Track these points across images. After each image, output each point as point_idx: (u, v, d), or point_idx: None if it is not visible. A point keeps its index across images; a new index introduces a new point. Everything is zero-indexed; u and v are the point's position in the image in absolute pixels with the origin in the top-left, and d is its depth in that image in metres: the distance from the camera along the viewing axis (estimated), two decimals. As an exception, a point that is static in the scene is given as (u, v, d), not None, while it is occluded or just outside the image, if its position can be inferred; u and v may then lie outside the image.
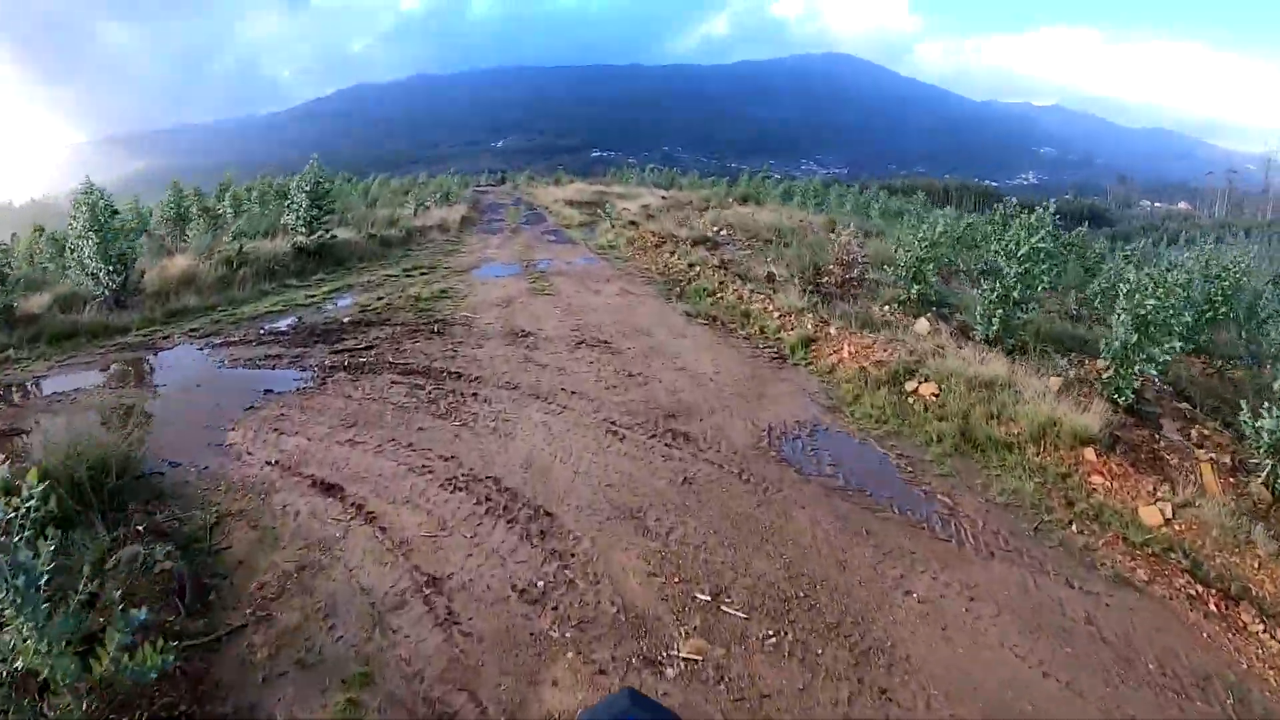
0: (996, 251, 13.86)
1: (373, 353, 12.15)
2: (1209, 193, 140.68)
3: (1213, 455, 9.55)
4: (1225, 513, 7.57)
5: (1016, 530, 7.28)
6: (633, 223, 28.94)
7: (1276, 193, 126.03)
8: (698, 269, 18.95)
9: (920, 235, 16.18)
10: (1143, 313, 10.50)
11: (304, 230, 21.51)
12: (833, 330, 13.30)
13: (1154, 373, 10.64)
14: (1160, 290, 10.46)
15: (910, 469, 8.56)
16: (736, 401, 10.33)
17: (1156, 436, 10.14)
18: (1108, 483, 8.27)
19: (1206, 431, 10.82)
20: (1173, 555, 7.03)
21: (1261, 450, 8.59)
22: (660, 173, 72.88)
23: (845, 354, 12.23)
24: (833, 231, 27.72)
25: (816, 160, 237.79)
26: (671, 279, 18.71)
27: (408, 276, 19.42)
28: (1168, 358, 10.54)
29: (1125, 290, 11.01)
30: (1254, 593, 6.63)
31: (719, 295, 16.59)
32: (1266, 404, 8.74)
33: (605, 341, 12.83)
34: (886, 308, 15.84)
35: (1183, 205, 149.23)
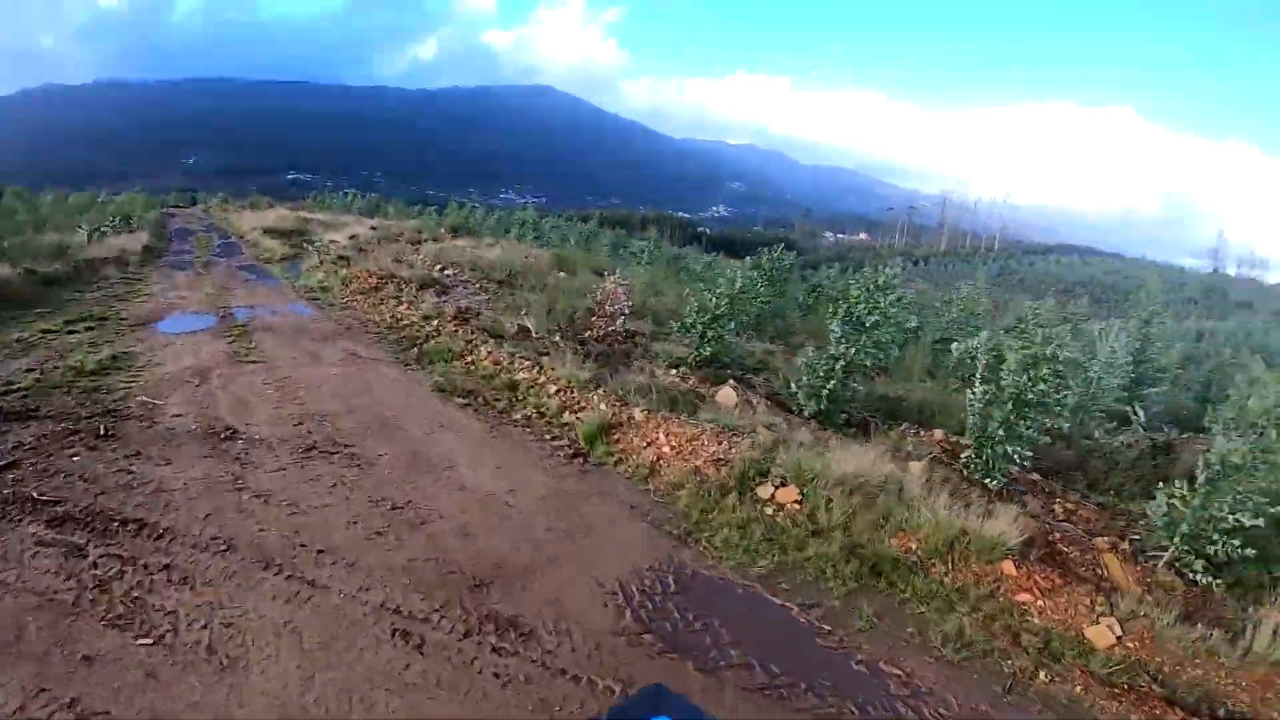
0: (833, 315, 12.34)
1: (9, 479, 7.81)
2: (890, 226, 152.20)
3: (1111, 542, 8.84)
4: (1169, 617, 6.97)
5: (993, 698, 5.99)
6: (344, 258, 25.28)
7: (951, 227, 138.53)
8: (435, 323, 15.90)
9: (719, 290, 14.26)
10: (1030, 397, 9.67)
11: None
12: (637, 414, 10.81)
13: (1027, 454, 9.81)
14: (1046, 370, 9.60)
15: (828, 628, 6.59)
16: (558, 543, 7.52)
17: (1049, 527, 9.11)
18: (1039, 600, 7.27)
19: (1070, 505, 10.25)
20: (1141, 682, 6.35)
21: (1160, 532, 8.37)
22: (363, 199, 68.37)
23: (665, 448, 9.88)
24: (561, 270, 25.61)
25: (515, 190, 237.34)
26: (404, 335, 15.54)
27: (71, 332, 14.64)
28: (1047, 440, 10.27)
29: (990, 363, 10.52)
30: (1234, 707, 6.20)
31: (469, 359, 13.73)
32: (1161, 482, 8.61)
33: (346, 444, 9.44)
34: (674, 372, 13.71)
35: (862, 236, 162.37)
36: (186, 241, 35.19)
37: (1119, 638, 6.77)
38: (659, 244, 34.85)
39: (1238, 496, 7.72)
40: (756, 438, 9.93)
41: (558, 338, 14.95)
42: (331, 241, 28.69)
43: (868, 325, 11.78)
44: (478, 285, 21.55)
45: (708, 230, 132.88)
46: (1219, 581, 7.86)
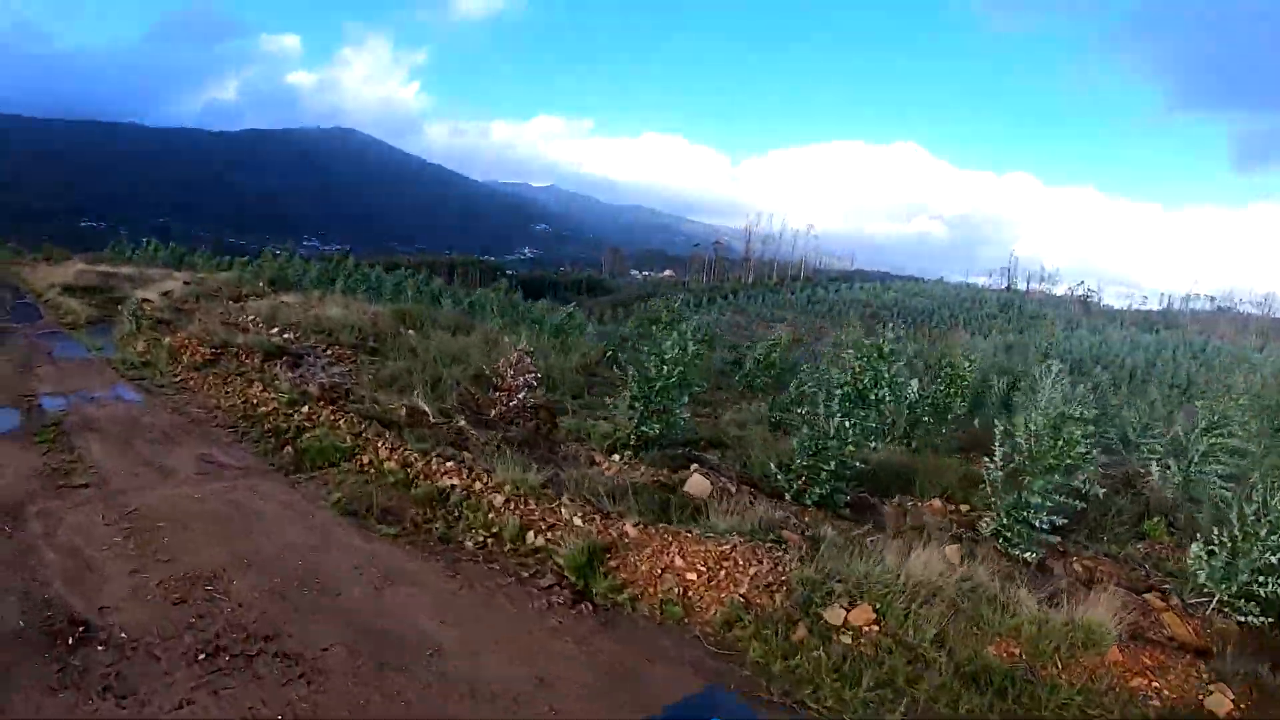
0: (819, 388, 11.41)
1: None
2: (696, 262, 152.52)
3: (1160, 598, 8.44)
4: (1264, 669, 6.81)
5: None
6: (164, 321, 21.42)
7: (756, 259, 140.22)
8: (305, 409, 12.64)
9: (668, 354, 11.96)
10: (1068, 462, 9.10)
11: None
12: (630, 529, 8.38)
13: (1060, 521, 9.31)
14: (1078, 431, 9.09)
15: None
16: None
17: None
18: (1153, 682, 6.69)
19: (1087, 562, 9.62)
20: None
21: (1212, 583, 8.20)
22: (167, 250, 62.13)
23: (690, 575, 7.67)
24: (409, 328, 22.60)
25: (320, 236, 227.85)
26: (268, 428, 12.25)
27: None
28: (1080, 504, 9.67)
29: (1026, 432, 9.56)
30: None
31: (364, 460, 10.74)
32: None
33: (266, 634, 6.17)
34: (615, 458, 11.46)
35: (668, 273, 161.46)
36: (-29, 303, 29.76)
37: (1234, 701, 6.41)
38: (510, 294, 31.53)
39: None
40: (796, 548, 8.05)
41: (463, 421, 12.19)
42: (145, 301, 24.45)
43: (872, 399, 10.37)
44: (330, 352, 18.42)
45: (514, 273, 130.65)
46: (1269, 620, 7.90)
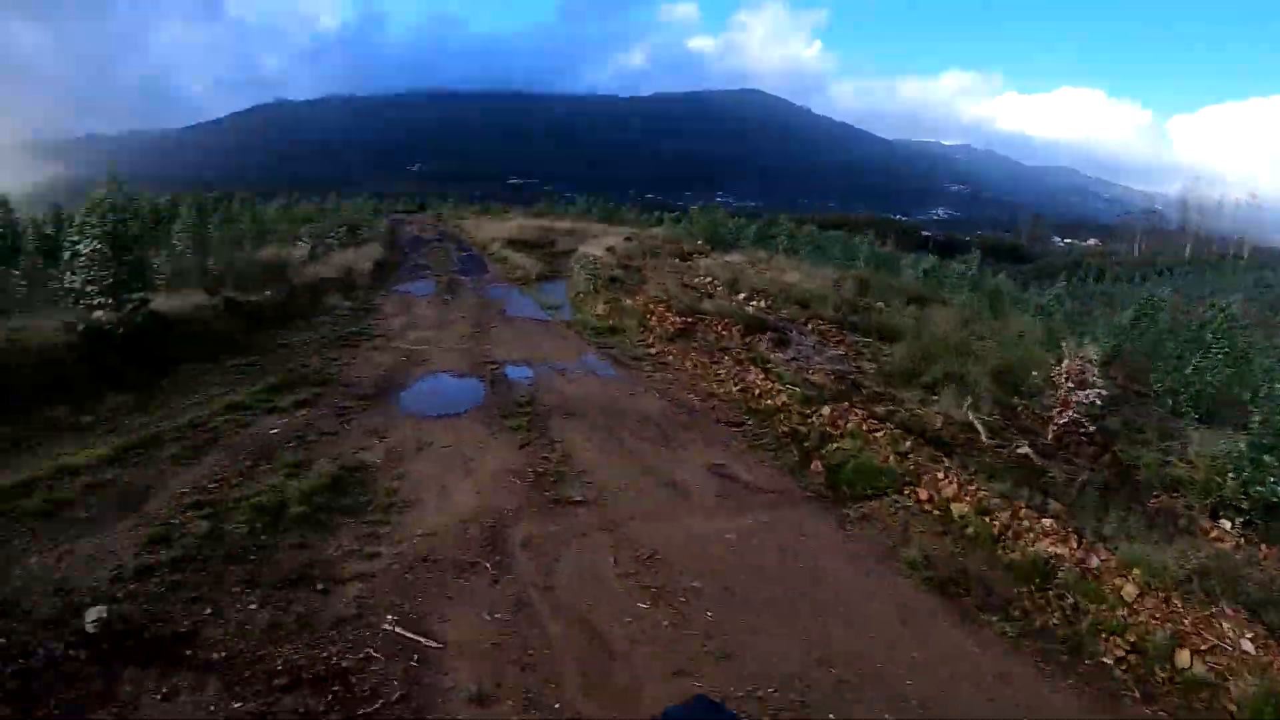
0: None
1: None
2: (1125, 231, 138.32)
3: None
4: None
5: None
6: (614, 279, 20.00)
7: (1194, 232, 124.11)
8: (828, 411, 10.20)
9: None
10: None
11: (103, 300, 12.03)
12: None
13: None
14: None
15: None
16: None
17: None
18: None
19: None
20: None
21: None
22: (596, 204, 63.46)
23: None
24: (871, 298, 19.67)
25: (732, 193, 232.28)
26: (782, 430, 10.38)
27: (272, 409, 9.86)
28: None
29: None
30: None
31: (919, 494, 8.34)
32: None
33: None
34: (1227, 525, 8.75)
35: (1092, 242, 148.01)
36: (421, 253, 31.15)
37: None
38: (981, 266, 27.31)
39: None
40: None
41: (1025, 447, 9.30)
42: (596, 257, 23.33)
43: None
44: (810, 328, 15.94)
45: (930, 234, 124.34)
46: None
